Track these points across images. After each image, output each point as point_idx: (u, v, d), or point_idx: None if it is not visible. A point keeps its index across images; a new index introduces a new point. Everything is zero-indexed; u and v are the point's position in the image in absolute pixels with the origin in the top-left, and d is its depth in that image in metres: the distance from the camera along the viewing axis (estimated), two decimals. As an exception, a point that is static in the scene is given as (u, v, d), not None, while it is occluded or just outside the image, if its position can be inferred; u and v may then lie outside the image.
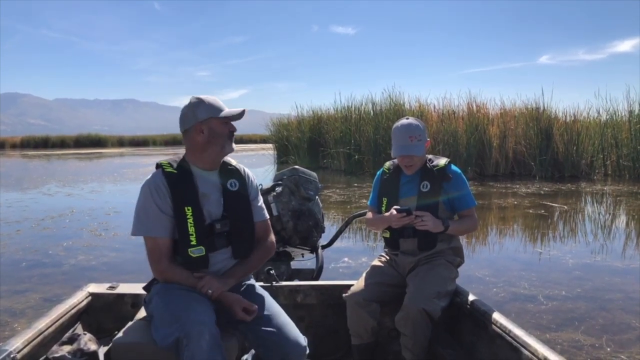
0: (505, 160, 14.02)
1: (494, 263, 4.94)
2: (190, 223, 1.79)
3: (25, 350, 1.72)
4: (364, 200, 8.67)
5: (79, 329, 2.14)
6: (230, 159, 1.98)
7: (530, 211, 7.94)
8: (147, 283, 1.92)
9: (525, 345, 1.74)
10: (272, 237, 2.04)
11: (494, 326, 1.97)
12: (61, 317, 2.01)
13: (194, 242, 1.80)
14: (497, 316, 2.00)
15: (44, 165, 22.88)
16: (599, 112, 14.52)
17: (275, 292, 2.29)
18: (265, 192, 3.07)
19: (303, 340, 1.81)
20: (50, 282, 4.37)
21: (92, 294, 2.31)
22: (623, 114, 13.90)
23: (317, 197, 3.25)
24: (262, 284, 2.24)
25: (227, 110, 1.87)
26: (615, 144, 13.52)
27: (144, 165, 20.02)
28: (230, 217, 1.87)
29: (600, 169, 13.90)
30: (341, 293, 2.35)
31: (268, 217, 2.04)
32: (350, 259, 4.96)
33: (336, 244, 3.44)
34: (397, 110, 14.79)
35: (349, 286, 2.37)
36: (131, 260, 4.92)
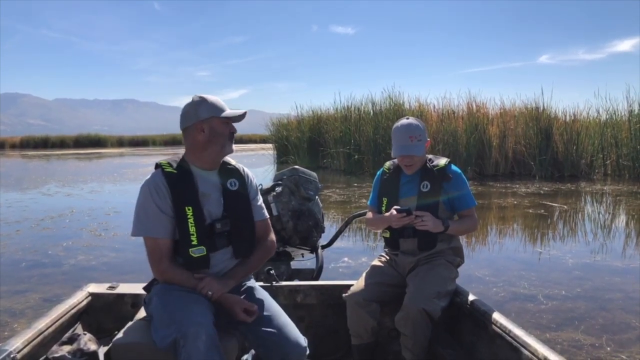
0: (505, 160, 14.02)
1: (494, 263, 4.94)
2: (191, 223, 1.79)
3: (25, 350, 1.72)
4: (364, 200, 8.67)
5: (79, 329, 2.14)
6: (230, 158, 1.98)
7: (530, 211, 7.94)
8: (147, 283, 1.92)
9: (525, 345, 1.74)
10: (273, 237, 2.04)
11: (494, 326, 1.97)
12: (61, 317, 2.01)
13: (194, 242, 1.79)
14: (497, 316, 2.00)
15: (44, 165, 22.87)
16: (598, 112, 14.56)
17: (275, 292, 2.29)
18: (265, 192, 3.07)
19: (303, 340, 1.80)
20: (50, 282, 4.37)
21: (92, 294, 2.31)
22: (623, 113, 13.93)
23: (317, 197, 3.25)
24: (262, 284, 2.24)
25: (229, 111, 1.87)
26: (615, 144, 13.53)
27: (144, 165, 20.02)
28: (230, 217, 1.87)
29: (600, 169, 13.91)
30: (341, 293, 2.35)
31: (268, 216, 2.04)
32: (350, 259, 4.96)
33: (336, 244, 3.44)
34: (396, 110, 14.79)
35: (349, 286, 2.37)
36: (131, 260, 4.92)
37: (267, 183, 3.21)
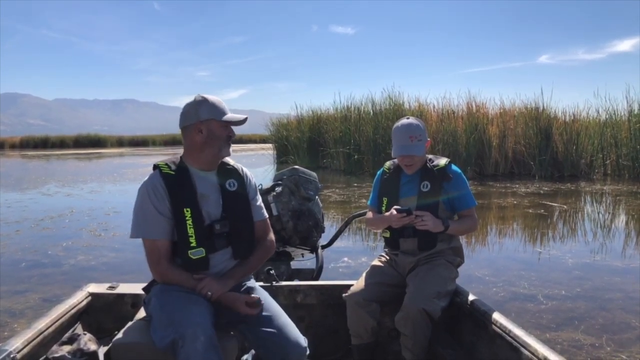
0: (505, 159, 14.03)
1: (494, 263, 4.94)
2: (190, 225, 1.79)
3: (25, 350, 1.72)
4: (364, 200, 8.67)
5: (78, 329, 2.14)
6: (229, 158, 1.97)
7: (530, 211, 7.94)
8: (146, 284, 1.92)
9: (525, 345, 1.74)
10: (272, 236, 2.03)
11: (494, 326, 1.97)
12: (61, 317, 2.01)
13: (193, 244, 1.79)
14: (497, 316, 2.00)
15: (44, 165, 22.87)
16: (598, 112, 14.56)
17: (275, 292, 2.29)
18: (265, 192, 3.07)
19: (303, 341, 1.80)
20: (50, 282, 4.37)
21: (92, 294, 2.31)
22: (622, 113, 13.92)
23: (317, 197, 3.25)
24: (262, 284, 2.24)
25: (230, 114, 1.86)
26: (615, 144, 13.53)
27: (144, 165, 20.01)
28: (229, 218, 1.87)
29: (599, 169, 13.91)
30: (341, 293, 2.35)
31: (267, 216, 2.03)
32: (350, 259, 4.96)
33: (336, 244, 3.44)
34: (396, 110, 14.79)
35: (349, 286, 2.37)
36: (131, 260, 4.91)
37: (267, 183, 3.21)
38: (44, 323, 1.89)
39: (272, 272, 2.43)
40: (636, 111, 13.45)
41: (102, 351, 1.90)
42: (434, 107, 15.29)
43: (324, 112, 17.97)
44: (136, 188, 1.85)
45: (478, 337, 2.13)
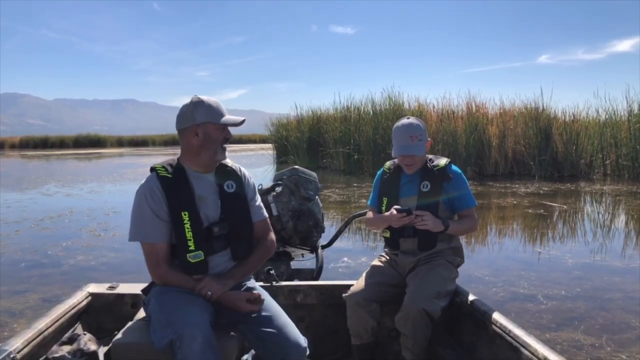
0: (505, 159, 14.02)
1: (494, 263, 4.94)
2: (188, 228, 1.77)
3: (25, 350, 1.72)
4: (364, 200, 8.67)
5: (78, 329, 2.14)
6: (228, 159, 1.95)
7: (530, 211, 7.94)
8: (146, 286, 1.92)
9: (525, 345, 1.74)
10: (272, 236, 2.03)
11: (494, 326, 1.97)
12: (61, 317, 2.01)
13: (192, 247, 1.78)
14: (497, 316, 2.00)
15: (43, 165, 22.86)
16: (598, 112, 14.56)
17: (275, 292, 2.29)
18: (265, 192, 3.07)
19: (303, 341, 1.80)
20: (50, 282, 4.36)
21: (91, 294, 2.31)
22: (622, 113, 13.92)
23: (317, 197, 3.25)
24: (262, 284, 2.24)
25: (227, 117, 1.83)
26: (615, 144, 13.53)
27: (144, 165, 20.01)
28: (228, 220, 1.86)
29: (599, 169, 13.91)
30: (341, 293, 2.35)
31: (267, 215, 2.02)
32: (350, 259, 4.96)
33: (336, 244, 3.44)
34: (396, 110, 14.79)
35: (349, 286, 2.37)
36: (131, 261, 4.92)
37: (267, 183, 3.21)
38: (44, 323, 1.89)
39: (272, 272, 2.43)
40: (636, 111, 13.45)
41: (102, 351, 1.90)
42: (433, 107, 15.31)
43: (324, 112, 17.98)
44: (136, 188, 1.84)
45: (478, 337, 2.13)
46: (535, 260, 5.08)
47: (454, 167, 2.35)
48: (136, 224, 1.80)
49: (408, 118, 2.37)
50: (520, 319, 3.33)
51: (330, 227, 6.03)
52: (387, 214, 2.29)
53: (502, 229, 6.83)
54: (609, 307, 3.62)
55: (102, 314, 2.30)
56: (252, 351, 2.06)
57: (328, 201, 8.99)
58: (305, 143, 17.95)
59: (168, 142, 52.16)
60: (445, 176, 2.29)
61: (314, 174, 3.26)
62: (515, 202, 8.92)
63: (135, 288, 2.30)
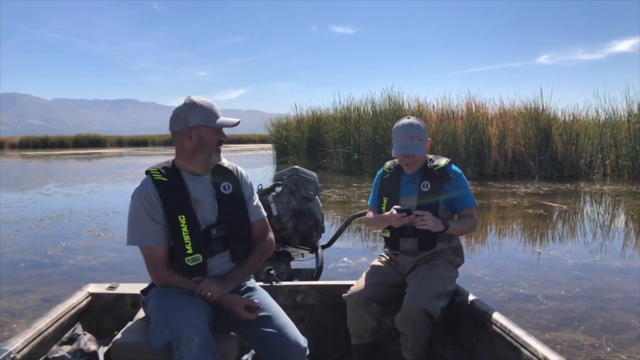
0: (505, 160, 14.02)
1: (494, 263, 4.94)
2: (185, 232, 1.76)
3: (25, 350, 1.71)
4: (364, 200, 8.67)
5: (78, 329, 2.14)
6: (223, 159, 1.92)
7: (530, 211, 7.94)
8: (146, 287, 1.92)
9: (525, 345, 1.74)
10: (271, 235, 2.02)
11: (494, 326, 1.97)
12: (61, 317, 2.01)
13: (190, 251, 1.77)
14: (497, 316, 2.00)
15: (43, 165, 22.85)
16: (598, 112, 14.56)
17: (275, 292, 2.29)
18: (265, 192, 3.07)
19: (303, 341, 1.80)
20: (50, 282, 4.36)
21: (91, 294, 2.31)
22: (622, 113, 13.92)
23: (317, 197, 3.25)
24: (262, 284, 2.23)
25: (222, 119, 1.81)
26: (614, 144, 13.53)
27: (143, 165, 19.90)
28: (225, 221, 1.84)
29: (599, 169, 13.91)
30: (341, 293, 2.35)
31: (265, 215, 2.01)
32: (350, 259, 4.96)
33: (336, 244, 3.44)
34: (396, 110, 14.79)
35: (349, 286, 2.37)
36: (131, 261, 4.91)
37: (267, 183, 3.21)
38: (44, 323, 1.89)
39: (272, 272, 2.43)
40: (635, 111, 13.45)
41: (102, 351, 1.90)
42: (433, 107, 15.30)
43: (324, 112, 17.96)
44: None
45: (478, 337, 2.13)
46: (535, 260, 5.08)
47: (454, 167, 2.35)
48: (133, 228, 1.79)
49: (408, 118, 2.37)
50: (520, 319, 3.33)
51: (330, 227, 6.03)
52: (387, 213, 2.29)
53: (502, 229, 6.83)
54: (609, 307, 3.62)
55: (102, 314, 2.30)
56: (252, 351, 2.06)
57: (328, 201, 8.99)
58: (305, 143, 17.95)
59: (168, 142, 52.03)
60: (446, 176, 2.30)
61: (314, 174, 3.26)
62: (515, 202, 8.92)
63: (135, 288, 2.30)
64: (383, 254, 2.51)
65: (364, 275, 2.38)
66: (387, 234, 2.40)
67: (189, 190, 1.81)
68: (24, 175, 17.08)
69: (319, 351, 2.35)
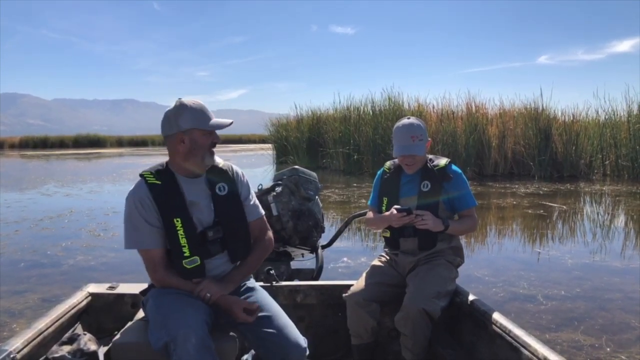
0: (504, 160, 14.03)
1: (494, 263, 4.94)
2: (181, 234, 1.75)
3: (25, 350, 1.71)
4: (363, 200, 8.67)
5: (78, 329, 2.14)
6: (218, 159, 1.90)
7: (529, 211, 7.94)
8: (145, 287, 1.91)
9: (525, 345, 1.74)
10: (270, 234, 2.01)
11: (494, 326, 1.97)
12: (61, 317, 2.01)
13: (187, 254, 1.76)
14: (497, 316, 2.00)
15: (43, 165, 22.85)
16: (597, 112, 14.58)
17: (275, 292, 2.29)
18: (265, 192, 3.07)
19: (303, 341, 1.80)
20: (49, 282, 4.36)
21: (91, 294, 2.31)
22: (622, 114, 13.94)
23: (317, 197, 3.25)
24: (262, 284, 2.23)
25: (214, 120, 1.79)
26: (614, 144, 13.54)
27: (143, 165, 19.86)
28: (222, 223, 1.83)
29: (599, 169, 13.92)
30: (341, 293, 2.35)
31: (263, 213, 1.99)
32: (350, 259, 4.96)
33: (336, 244, 3.44)
34: (396, 111, 14.79)
35: (349, 286, 2.37)
36: (131, 261, 4.91)
37: (267, 183, 3.21)
38: (44, 323, 1.89)
39: (272, 272, 2.43)
40: (635, 112, 13.46)
41: (102, 351, 1.90)
42: (433, 107, 15.30)
43: (324, 112, 17.97)
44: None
45: (478, 337, 2.13)
46: (535, 260, 5.08)
47: (454, 167, 2.35)
48: (129, 232, 1.78)
49: (408, 118, 2.37)
50: (520, 319, 3.33)
51: (330, 227, 6.03)
52: (387, 213, 2.29)
53: (501, 229, 6.83)
54: (609, 308, 3.62)
55: (102, 314, 2.30)
56: (252, 351, 2.06)
57: (328, 201, 8.99)
58: (305, 143, 17.95)
59: (168, 142, 51.92)
60: (446, 176, 2.30)
61: (314, 174, 3.26)
62: (514, 202, 8.92)
63: (135, 288, 2.30)
64: (383, 254, 2.51)
65: (364, 275, 2.38)
66: (387, 234, 2.40)
67: (184, 194, 1.80)
68: (23, 175, 17.08)
69: (319, 351, 2.35)
